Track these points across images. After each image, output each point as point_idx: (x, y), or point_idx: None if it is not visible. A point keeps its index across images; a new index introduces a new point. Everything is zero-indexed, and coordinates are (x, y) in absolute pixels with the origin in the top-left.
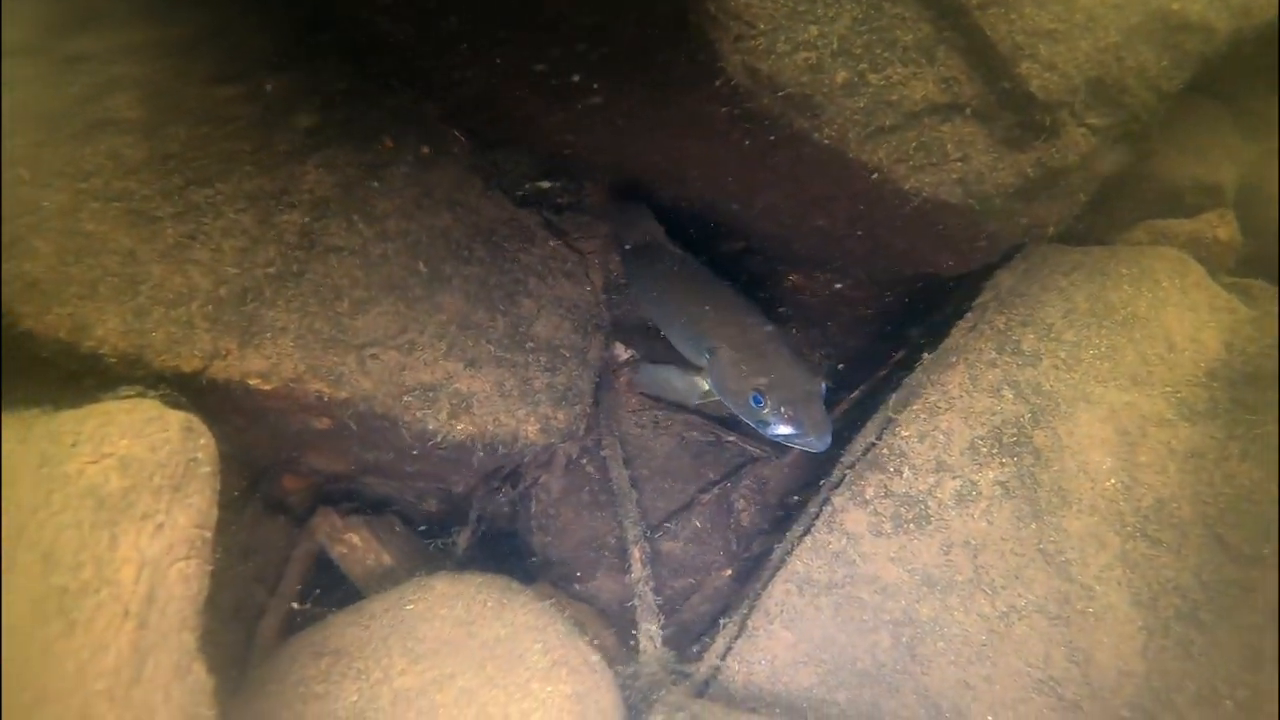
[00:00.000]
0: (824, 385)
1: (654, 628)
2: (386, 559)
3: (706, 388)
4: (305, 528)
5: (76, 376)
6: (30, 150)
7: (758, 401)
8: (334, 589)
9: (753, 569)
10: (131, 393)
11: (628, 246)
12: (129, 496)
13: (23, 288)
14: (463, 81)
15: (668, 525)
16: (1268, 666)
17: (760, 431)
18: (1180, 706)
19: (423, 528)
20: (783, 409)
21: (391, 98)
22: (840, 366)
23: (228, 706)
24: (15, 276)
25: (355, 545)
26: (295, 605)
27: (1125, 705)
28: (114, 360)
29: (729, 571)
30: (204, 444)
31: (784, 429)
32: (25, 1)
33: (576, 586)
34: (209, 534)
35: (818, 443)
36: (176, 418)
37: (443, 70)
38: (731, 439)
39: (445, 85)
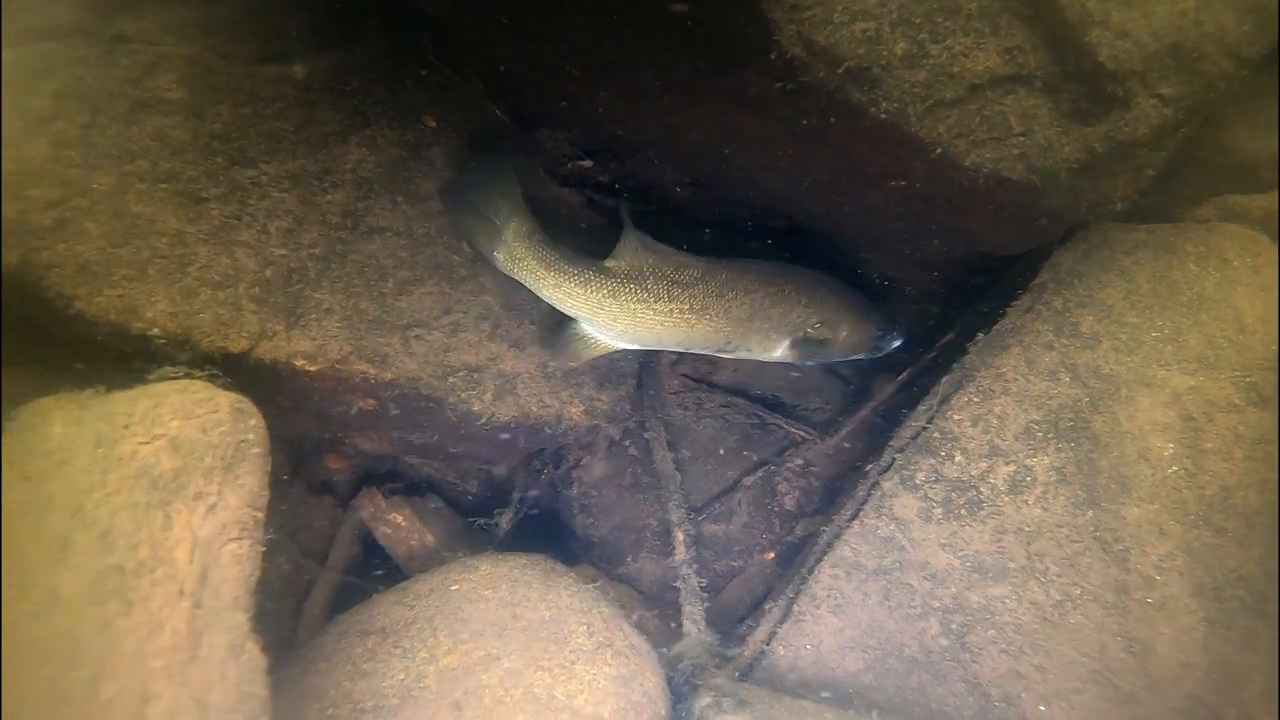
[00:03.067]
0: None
1: (697, 610)
2: (430, 539)
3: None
4: (350, 508)
5: (127, 358)
6: (79, 132)
7: (884, 336)
8: (377, 569)
9: (796, 552)
10: (180, 374)
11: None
12: (181, 477)
13: (75, 270)
14: (505, 59)
15: (711, 508)
16: None
17: (871, 356)
18: (1246, 701)
19: (465, 510)
20: (894, 329)
21: (434, 76)
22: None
23: (277, 683)
24: (68, 259)
25: (399, 525)
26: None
27: (1186, 698)
28: (163, 341)
29: (772, 555)
30: (254, 425)
31: (897, 342)
32: None
33: (618, 569)
34: (260, 515)
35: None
36: (227, 399)
37: (484, 48)
38: (775, 421)
39: (487, 63)
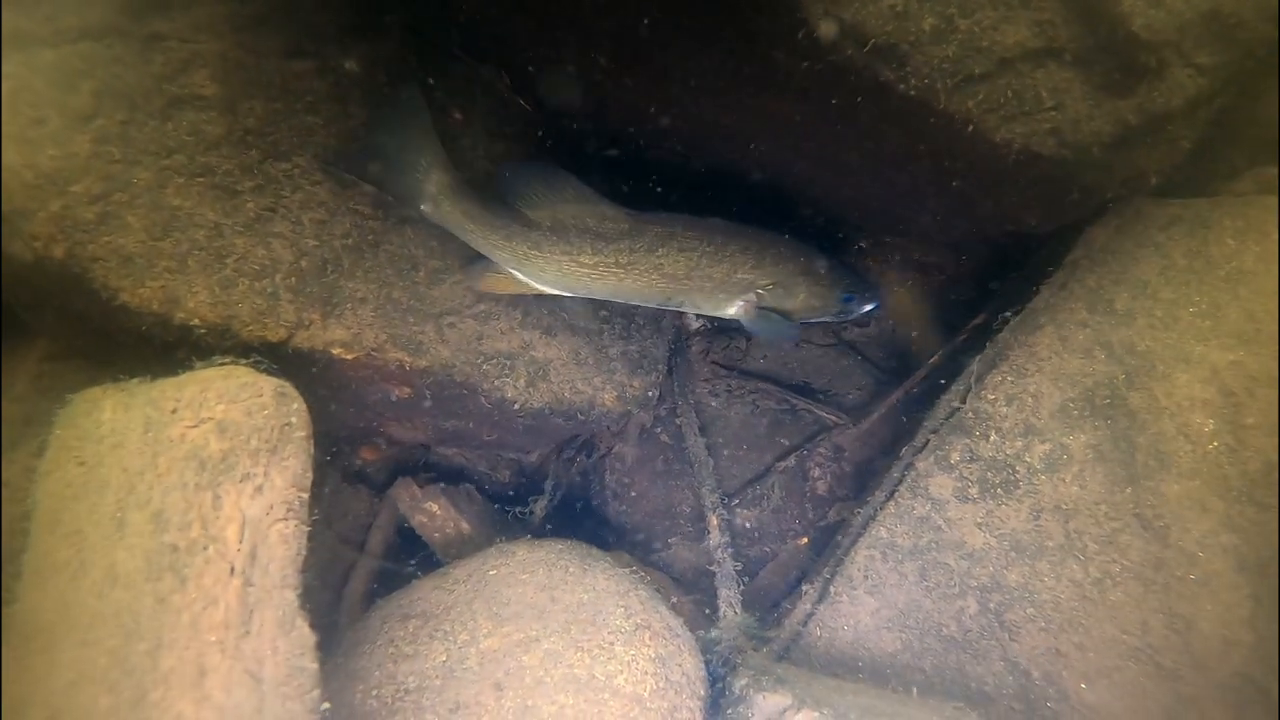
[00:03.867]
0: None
1: (733, 593)
2: (465, 527)
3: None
4: (385, 497)
5: (170, 348)
6: (119, 129)
7: (849, 299)
8: (411, 557)
9: (829, 537)
10: (225, 360)
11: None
12: (228, 459)
13: (119, 262)
14: (531, 51)
15: (743, 493)
16: None
17: (837, 319)
18: None
19: (498, 499)
20: (865, 293)
21: (459, 69)
22: (913, 333)
23: (324, 665)
24: (111, 252)
25: (434, 514)
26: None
27: (1232, 675)
28: (204, 331)
29: (805, 539)
30: (297, 409)
31: (868, 306)
32: None
33: (651, 555)
34: (305, 496)
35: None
36: (270, 384)
37: (509, 40)
38: (805, 407)
39: (513, 55)
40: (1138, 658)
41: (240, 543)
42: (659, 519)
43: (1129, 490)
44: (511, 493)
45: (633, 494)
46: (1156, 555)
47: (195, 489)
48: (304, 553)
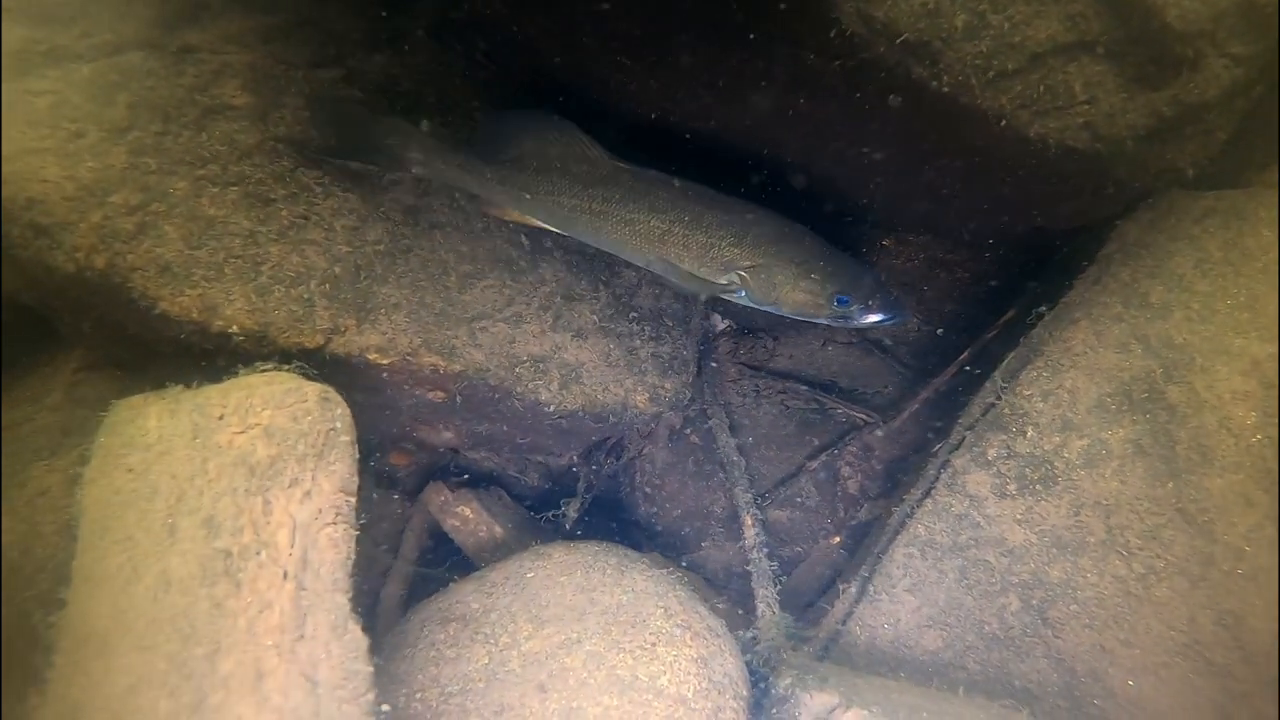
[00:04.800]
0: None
1: (771, 593)
2: (498, 531)
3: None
4: (418, 502)
5: (209, 355)
6: (154, 140)
7: (843, 301)
8: (445, 561)
9: (862, 536)
10: (268, 366)
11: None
12: (276, 464)
13: (157, 271)
14: (555, 53)
15: (775, 493)
16: None
17: (836, 325)
18: None
19: (529, 503)
20: (869, 300)
21: (480, 72)
22: (939, 332)
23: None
24: (150, 261)
25: (467, 518)
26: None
27: None
28: (242, 338)
29: (837, 539)
30: (341, 413)
31: (874, 316)
32: (136, 1)
33: (684, 557)
34: (352, 499)
35: (905, 317)
36: (314, 389)
37: (531, 42)
38: (834, 405)
39: (536, 58)
40: (1186, 654)
41: (291, 547)
42: (691, 520)
43: (1171, 485)
44: (542, 496)
45: (664, 496)
46: (1202, 550)
47: (245, 494)
48: (353, 556)
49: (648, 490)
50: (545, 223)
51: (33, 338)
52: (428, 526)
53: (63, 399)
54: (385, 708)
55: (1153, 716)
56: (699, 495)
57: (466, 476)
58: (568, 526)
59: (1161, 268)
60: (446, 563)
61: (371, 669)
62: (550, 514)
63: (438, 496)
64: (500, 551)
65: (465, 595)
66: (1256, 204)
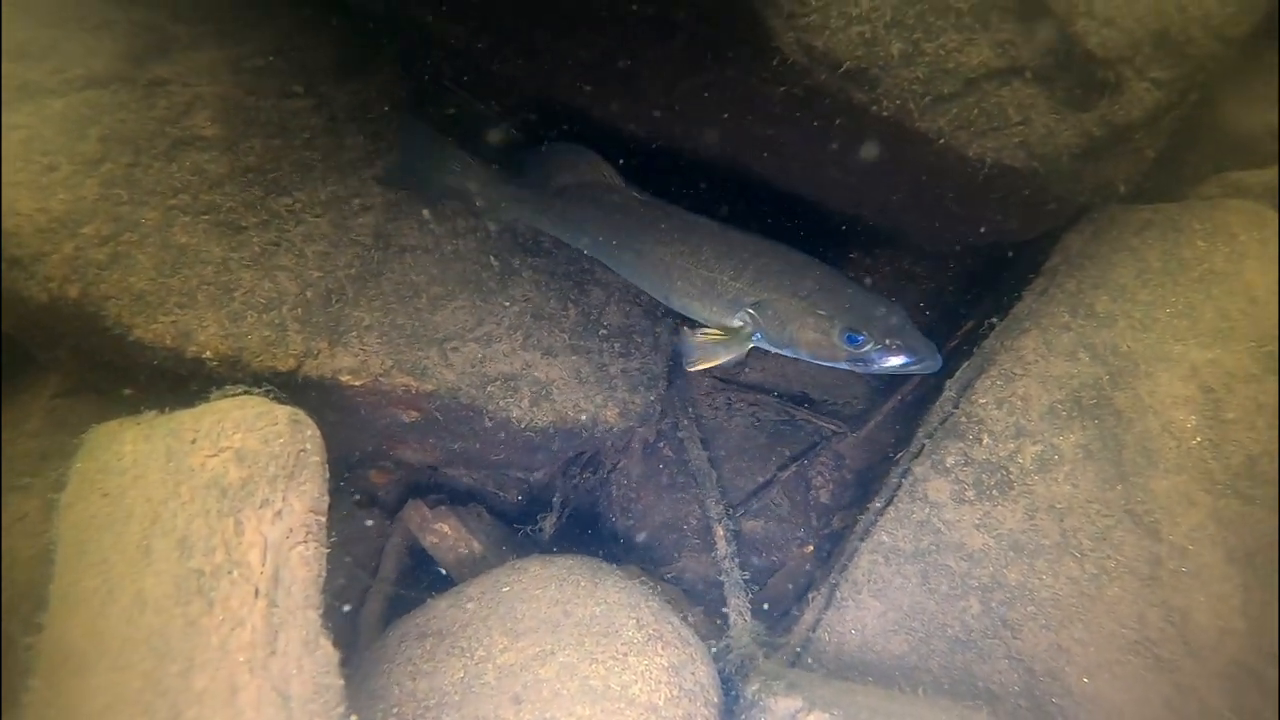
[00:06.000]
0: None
1: (743, 602)
2: (476, 546)
3: (749, 346)
4: (396, 520)
5: (183, 380)
6: (125, 171)
7: (854, 340)
8: (424, 580)
9: (834, 544)
10: (238, 391)
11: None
12: (248, 486)
13: (131, 300)
14: (517, 79)
15: (748, 504)
16: None
17: (861, 370)
18: None
19: (507, 518)
20: (887, 340)
21: (450, 99)
22: None
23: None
24: (124, 290)
25: (445, 534)
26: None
27: (1228, 664)
28: (216, 363)
29: (810, 548)
30: (311, 435)
31: (894, 360)
32: (106, 36)
33: (662, 569)
34: (323, 519)
35: (934, 363)
36: (284, 412)
37: (498, 70)
38: (804, 417)
39: (500, 84)
40: (1137, 650)
41: (263, 566)
42: (667, 532)
43: (1119, 487)
44: (520, 512)
45: (640, 509)
46: (1150, 550)
47: (218, 515)
48: (324, 574)
49: (624, 504)
50: (584, 248)
51: (12, 365)
52: (407, 545)
53: (41, 424)
54: (354, 718)
55: (1108, 713)
56: (674, 507)
57: (445, 495)
58: (545, 540)
59: (1105, 278)
60: (426, 581)
61: (342, 683)
62: (528, 528)
63: (416, 514)
64: (479, 567)
65: (442, 610)
66: (1190, 216)
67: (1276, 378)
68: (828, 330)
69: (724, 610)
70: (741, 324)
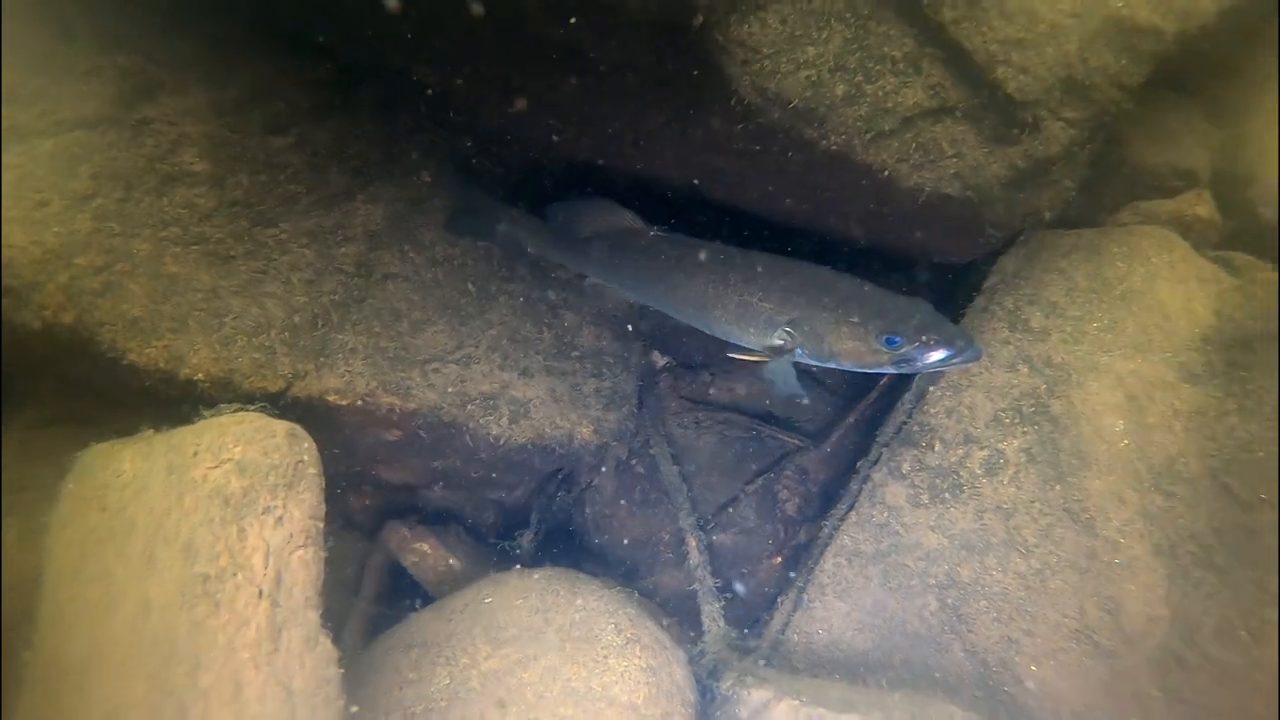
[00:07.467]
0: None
1: (716, 608)
2: (455, 564)
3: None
4: (376, 540)
5: (175, 402)
6: (117, 206)
7: (892, 343)
8: (405, 599)
9: (802, 554)
10: (234, 408)
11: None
12: (249, 495)
13: (125, 326)
14: (491, 118)
15: (718, 518)
16: (1274, 600)
17: (906, 371)
18: (1202, 644)
19: (485, 538)
20: (924, 337)
21: (425, 136)
22: None
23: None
24: (117, 316)
25: (425, 553)
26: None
27: (1156, 648)
28: (207, 385)
29: (779, 559)
30: (307, 447)
31: (936, 354)
32: (94, 81)
33: (637, 583)
34: (320, 525)
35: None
36: (282, 426)
37: (472, 109)
38: (769, 432)
39: (474, 123)
40: (1078, 639)
41: (266, 569)
42: (641, 547)
43: (1058, 488)
44: (496, 533)
45: (614, 525)
46: (1087, 545)
47: (221, 523)
48: (322, 576)
49: (599, 520)
50: (614, 284)
51: None
52: (387, 565)
53: (14, 456)
54: (355, 709)
55: (1054, 698)
56: (647, 523)
57: (423, 516)
58: (523, 557)
59: (1038, 296)
60: (406, 600)
61: (342, 672)
62: (506, 544)
63: (396, 534)
64: (459, 583)
65: (426, 623)
66: (1110, 240)
67: (1189, 385)
68: (864, 337)
69: (698, 618)
70: (781, 342)
